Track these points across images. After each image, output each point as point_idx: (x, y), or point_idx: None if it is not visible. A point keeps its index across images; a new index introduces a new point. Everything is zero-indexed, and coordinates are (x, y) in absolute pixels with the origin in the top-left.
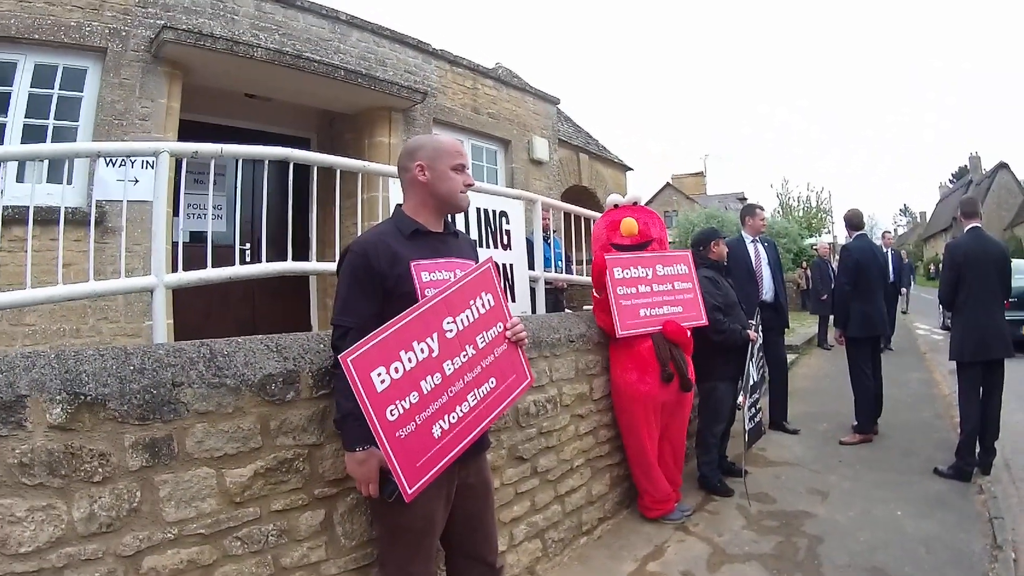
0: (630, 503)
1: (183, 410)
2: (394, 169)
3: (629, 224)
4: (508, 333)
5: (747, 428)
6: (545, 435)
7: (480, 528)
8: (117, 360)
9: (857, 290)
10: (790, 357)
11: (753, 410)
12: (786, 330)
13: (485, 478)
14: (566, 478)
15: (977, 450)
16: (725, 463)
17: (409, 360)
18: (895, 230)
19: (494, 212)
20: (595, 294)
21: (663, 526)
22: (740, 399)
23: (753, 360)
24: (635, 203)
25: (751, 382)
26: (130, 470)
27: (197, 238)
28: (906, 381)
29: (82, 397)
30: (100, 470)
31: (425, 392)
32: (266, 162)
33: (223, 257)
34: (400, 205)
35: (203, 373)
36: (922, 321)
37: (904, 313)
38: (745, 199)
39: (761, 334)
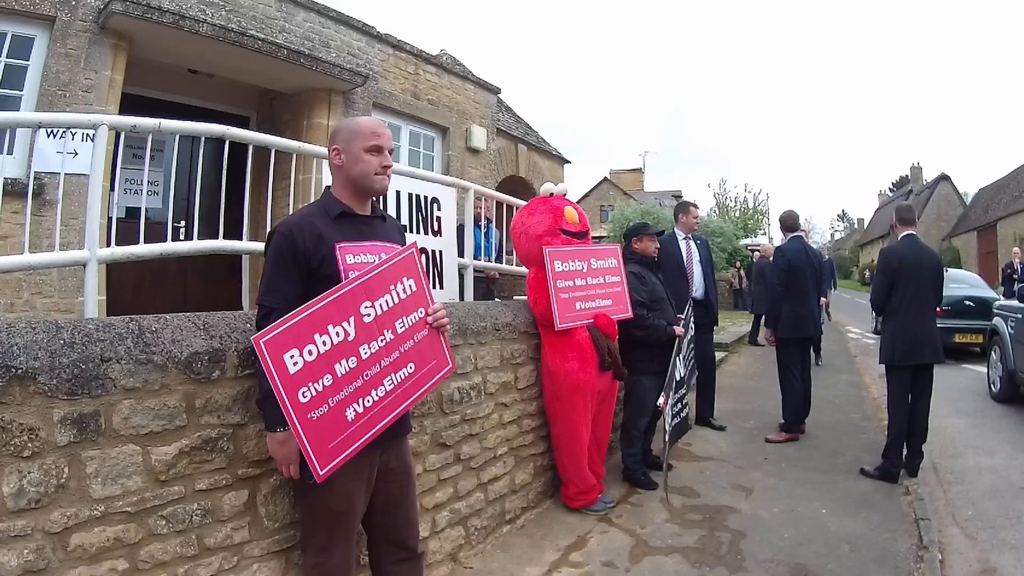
0: (553, 493)
1: (111, 386)
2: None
3: (571, 212)
4: (429, 319)
5: (669, 426)
6: (469, 422)
7: (401, 513)
8: (48, 333)
9: (789, 291)
10: (719, 355)
11: (679, 406)
12: (715, 328)
13: (406, 462)
14: (489, 466)
15: (904, 453)
16: (649, 456)
17: (324, 343)
18: (831, 235)
19: (426, 198)
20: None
21: (586, 517)
22: (661, 400)
23: (681, 355)
24: (563, 195)
25: (676, 379)
26: (58, 445)
27: (133, 214)
28: (835, 383)
29: (13, 370)
30: (30, 445)
31: (339, 375)
32: (202, 139)
33: (158, 234)
34: (329, 187)
35: (131, 349)
36: (854, 325)
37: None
38: (680, 196)
39: (693, 327)
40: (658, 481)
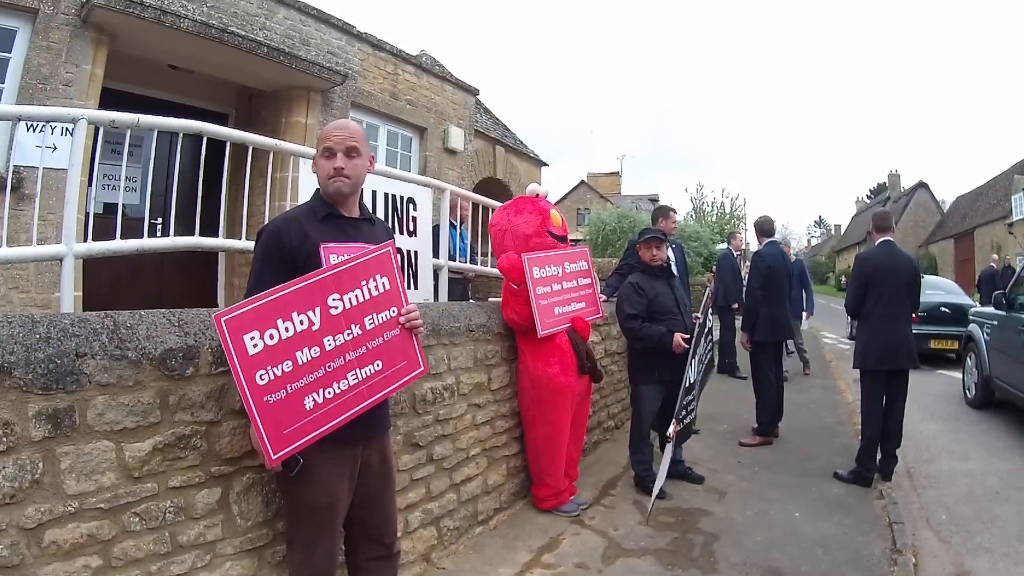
0: (526, 494)
1: (86, 381)
2: (305, 149)
3: (555, 216)
4: (401, 319)
5: (668, 456)
6: (441, 423)
7: (379, 509)
8: (24, 328)
9: (766, 295)
10: None
11: (683, 412)
12: None
13: (387, 458)
14: (462, 467)
15: (878, 457)
16: (682, 467)
17: (286, 329)
18: (808, 240)
19: (401, 198)
20: (512, 286)
21: (559, 518)
22: (671, 430)
23: (696, 357)
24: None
25: (684, 387)
26: (33, 440)
27: (111, 210)
28: (809, 387)
29: None
30: (4, 439)
31: (300, 363)
32: (180, 135)
33: (135, 230)
34: (319, 189)
35: (106, 344)
36: (829, 330)
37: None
38: (657, 200)
39: (716, 318)
40: (666, 491)
